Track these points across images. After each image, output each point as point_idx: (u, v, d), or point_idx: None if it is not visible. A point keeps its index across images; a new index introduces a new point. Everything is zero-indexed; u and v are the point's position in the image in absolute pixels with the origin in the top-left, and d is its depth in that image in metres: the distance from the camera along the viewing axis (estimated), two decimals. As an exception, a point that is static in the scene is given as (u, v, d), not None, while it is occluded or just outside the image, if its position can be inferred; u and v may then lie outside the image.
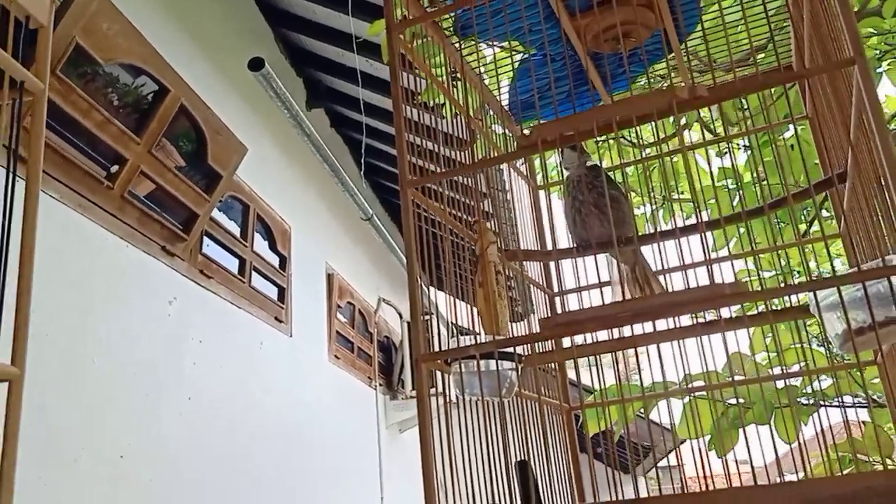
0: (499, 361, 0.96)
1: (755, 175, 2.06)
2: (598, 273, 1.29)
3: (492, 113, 1.39)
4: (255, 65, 2.89)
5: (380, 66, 4.53)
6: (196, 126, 3.30)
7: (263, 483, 3.66)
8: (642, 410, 1.64)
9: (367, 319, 5.89)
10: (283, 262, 4.43)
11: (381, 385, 5.89)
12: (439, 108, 1.34)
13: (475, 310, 1.06)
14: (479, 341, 0.91)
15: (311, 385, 4.54)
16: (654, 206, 2.58)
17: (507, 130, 1.41)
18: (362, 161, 4.70)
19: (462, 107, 1.12)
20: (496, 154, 1.33)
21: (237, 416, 3.54)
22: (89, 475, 2.43)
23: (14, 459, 0.58)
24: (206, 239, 3.54)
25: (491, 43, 1.18)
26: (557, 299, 1.43)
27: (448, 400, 0.95)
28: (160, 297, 3.07)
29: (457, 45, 1.22)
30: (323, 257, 5.12)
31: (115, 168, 2.84)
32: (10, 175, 0.67)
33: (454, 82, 1.28)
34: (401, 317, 6.39)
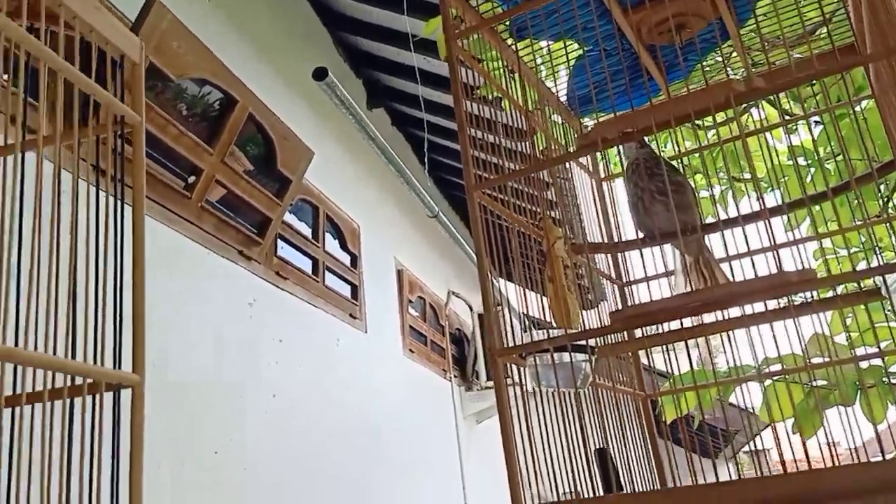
0: (572, 354, 0.99)
1: (824, 154, 2.02)
2: (664, 262, 1.31)
3: (550, 109, 1.42)
4: (319, 74, 2.98)
5: (437, 63, 4.57)
6: (264, 134, 3.42)
7: (344, 478, 3.78)
8: (720, 395, 1.64)
9: (438, 312, 5.97)
10: (354, 260, 4.54)
11: (455, 377, 5.96)
12: (497, 102, 1.37)
13: (546, 303, 1.10)
14: (551, 335, 0.94)
15: (387, 379, 4.65)
16: (721, 188, 2.55)
17: (567, 125, 1.43)
18: (426, 159, 4.76)
19: (521, 106, 1.15)
20: (556, 148, 1.35)
21: (318, 413, 3.66)
22: (192, 472, 2.57)
23: (141, 459, 0.65)
24: (279, 241, 3.67)
25: (546, 42, 1.21)
26: (627, 289, 1.45)
27: (525, 391, 0.99)
28: (240, 300, 3.20)
29: (512, 46, 1.25)
30: (391, 253, 5.21)
31: (191, 178, 2.97)
32: (118, 201, 0.74)
33: (511, 77, 1.31)
34: (471, 309, 6.44)
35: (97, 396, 0.64)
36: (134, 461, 0.64)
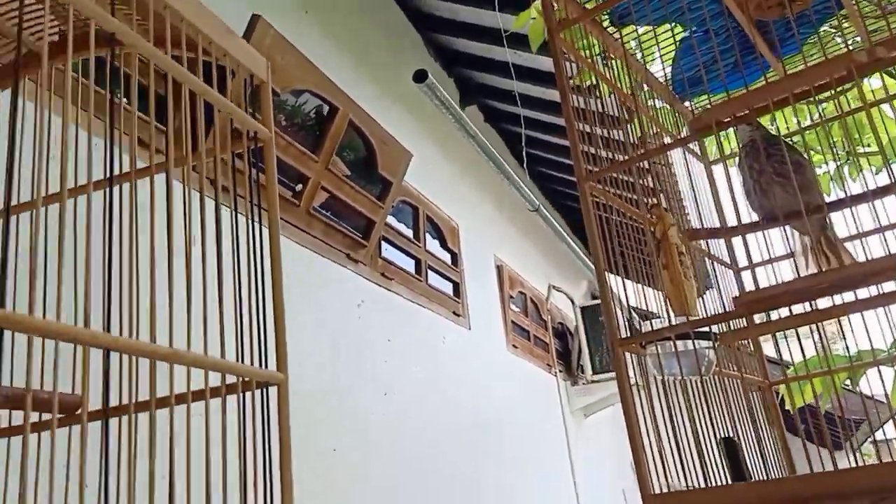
0: (695, 341, 0.98)
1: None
2: (782, 244, 1.26)
3: (655, 94, 1.40)
4: (419, 77, 3.04)
5: (528, 56, 4.55)
6: (364, 139, 3.51)
7: (455, 475, 3.83)
8: (848, 382, 1.56)
9: (540, 307, 5.95)
10: (455, 258, 4.60)
11: (560, 371, 5.92)
12: (592, 90, 1.36)
13: (662, 292, 1.09)
14: (671, 323, 0.93)
15: (493, 376, 4.68)
16: (838, 163, 2.42)
17: (673, 109, 1.41)
18: (524, 153, 4.75)
19: (625, 93, 1.14)
20: (661, 133, 1.33)
21: (427, 410, 3.73)
22: (307, 474, 2.68)
23: (289, 451, 0.70)
24: (383, 243, 3.76)
25: (641, 28, 1.19)
26: (741, 275, 1.41)
27: (647, 381, 0.98)
28: (349, 301, 3.31)
29: (614, 33, 1.24)
30: (491, 250, 5.24)
31: (299, 187, 3.10)
32: (256, 207, 0.79)
33: (607, 64, 1.30)
34: (572, 302, 6.38)
35: (246, 394, 0.69)
36: (283, 453, 0.69)
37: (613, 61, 1.27)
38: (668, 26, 1.18)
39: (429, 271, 4.19)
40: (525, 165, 4.81)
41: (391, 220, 3.93)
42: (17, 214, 0.78)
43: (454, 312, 4.36)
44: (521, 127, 5.06)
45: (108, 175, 0.60)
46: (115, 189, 0.69)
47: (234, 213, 0.73)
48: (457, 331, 4.33)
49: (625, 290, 1.05)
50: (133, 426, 0.63)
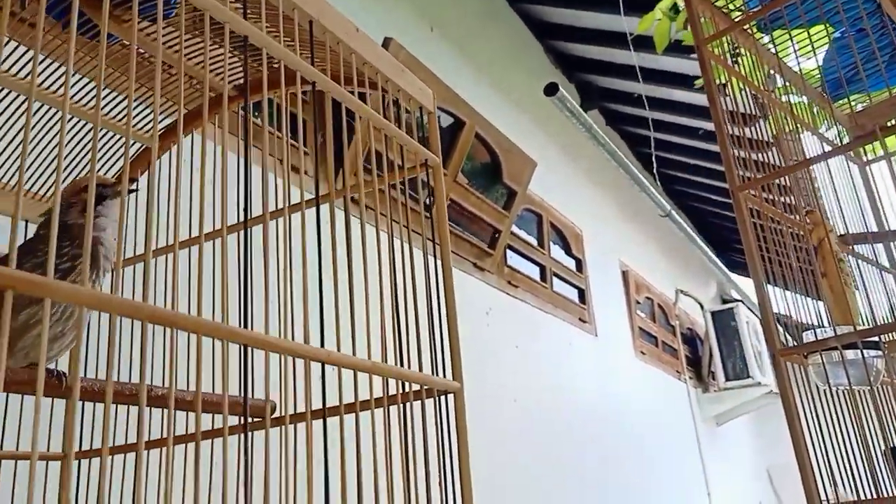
0: (863, 350, 0.95)
1: None
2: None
3: (801, 92, 1.36)
4: (550, 90, 3.07)
5: (649, 58, 4.48)
6: (489, 149, 3.57)
7: (585, 481, 3.81)
8: None
9: (667, 312, 5.80)
10: (579, 264, 4.57)
11: (690, 378, 5.75)
12: (722, 88, 1.34)
13: (822, 301, 1.06)
14: (836, 332, 0.92)
15: (621, 382, 4.61)
16: None
17: (822, 107, 1.37)
18: (653, 158, 4.67)
19: (772, 98, 1.13)
20: (801, 129, 1.30)
21: (555, 416, 3.73)
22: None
23: (468, 456, 0.75)
24: (508, 252, 3.80)
25: (800, 28, 1.17)
26: (905, 278, 1.34)
27: (809, 390, 0.97)
28: (478, 310, 3.37)
29: (762, 39, 1.22)
30: (616, 255, 5.17)
31: (429, 199, 3.20)
32: (431, 225, 0.86)
33: (755, 68, 1.28)
34: (702, 307, 6.18)
35: (423, 402, 0.75)
36: (462, 458, 0.74)
37: (757, 65, 1.25)
38: (826, 29, 1.16)
39: (554, 278, 4.19)
40: (656, 168, 4.71)
41: (515, 228, 3.97)
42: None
43: (580, 319, 4.34)
44: (646, 129, 4.98)
45: (316, 201, 0.67)
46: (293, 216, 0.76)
47: (407, 232, 0.79)
48: (583, 337, 4.31)
49: (784, 299, 1.04)
50: (309, 431, 0.70)
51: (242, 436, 0.53)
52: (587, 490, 3.80)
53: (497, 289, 3.57)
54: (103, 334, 0.86)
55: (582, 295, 4.49)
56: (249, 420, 0.59)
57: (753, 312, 6.12)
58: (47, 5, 0.73)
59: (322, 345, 0.59)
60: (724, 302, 6.63)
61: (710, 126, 5.28)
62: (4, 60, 0.93)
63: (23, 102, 0.98)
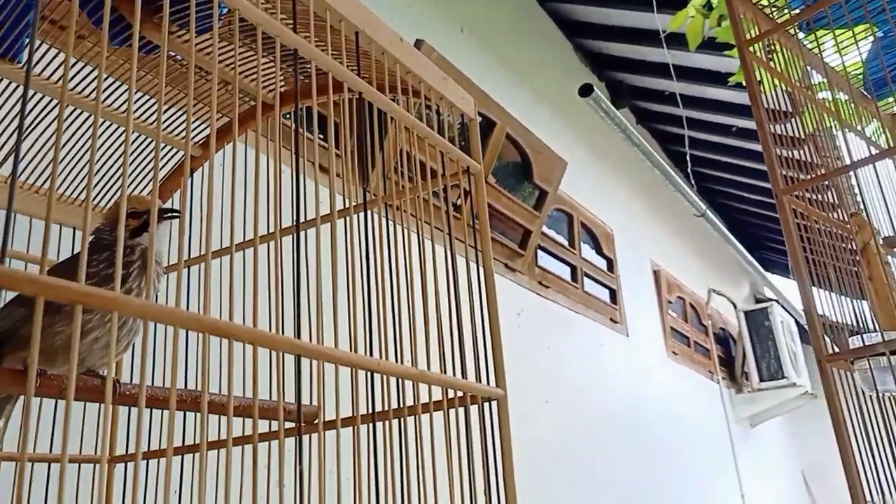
0: (913, 357, 0.94)
1: None
2: None
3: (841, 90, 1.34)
4: (585, 91, 3.06)
5: (681, 55, 4.43)
6: (520, 150, 3.57)
7: (617, 482, 3.78)
8: None
9: (700, 312, 5.74)
10: (610, 264, 4.54)
11: (723, 378, 5.68)
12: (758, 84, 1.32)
13: (868, 304, 1.05)
14: (883, 337, 0.90)
15: (653, 383, 4.58)
16: None
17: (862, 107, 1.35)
18: (687, 157, 4.62)
19: (819, 102, 1.11)
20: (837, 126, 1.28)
21: (587, 417, 3.71)
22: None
23: (511, 462, 0.75)
24: (539, 252, 3.79)
25: (843, 28, 1.15)
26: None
27: (855, 395, 0.95)
28: (509, 311, 3.36)
29: (805, 39, 1.21)
30: (647, 255, 5.13)
31: (459, 201, 3.20)
32: (468, 227, 0.86)
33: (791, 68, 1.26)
34: (735, 306, 6.10)
35: (467, 409, 0.75)
36: (506, 462, 0.75)
37: (791, 63, 1.23)
38: (871, 28, 1.14)
39: (585, 278, 4.17)
40: (690, 168, 4.66)
41: (545, 228, 3.96)
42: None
43: (611, 319, 4.31)
44: (676, 127, 4.93)
45: (364, 207, 0.68)
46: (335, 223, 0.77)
47: (450, 239, 0.79)
48: (614, 337, 4.28)
49: (829, 302, 1.02)
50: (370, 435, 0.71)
51: (297, 439, 0.54)
52: (618, 491, 3.78)
53: (528, 289, 3.56)
54: (155, 342, 0.88)
55: (613, 295, 4.46)
56: (300, 425, 0.60)
57: (788, 312, 6.03)
58: (110, 31, 0.75)
59: (370, 353, 0.60)
60: (758, 301, 6.54)
61: (742, 123, 5.21)
62: (70, 78, 0.95)
63: (87, 118, 1.00)
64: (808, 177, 1.03)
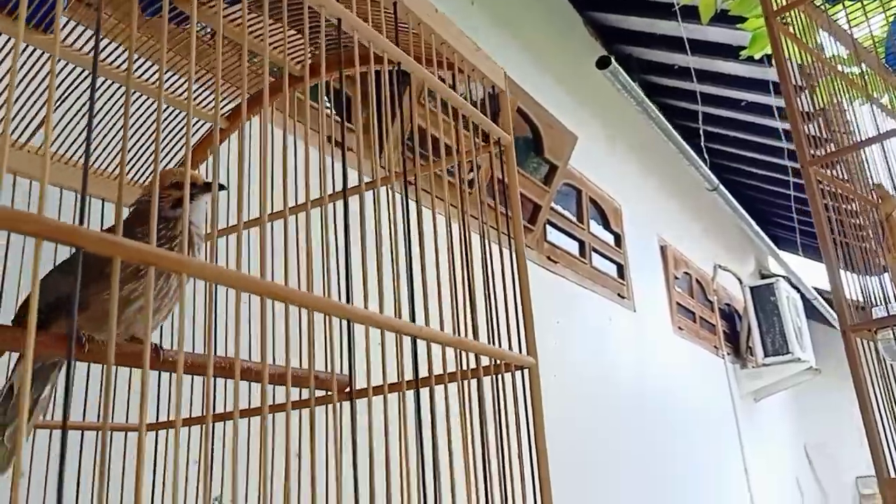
0: (937, 328, 0.95)
1: None
2: None
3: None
4: (603, 63, 3.05)
5: (693, 28, 4.40)
6: (531, 124, 3.56)
7: (622, 455, 3.82)
8: None
9: (706, 288, 5.75)
10: (618, 239, 4.55)
11: (728, 354, 5.71)
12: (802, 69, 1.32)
13: (891, 275, 1.06)
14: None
15: (659, 358, 4.61)
16: None
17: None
18: (700, 131, 4.60)
19: (842, 74, 1.11)
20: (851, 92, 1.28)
21: (595, 391, 3.74)
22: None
23: (543, 428, 0.77)
24: (548, 227, 3.79)
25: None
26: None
27: (877, 366, 0.97)
28: (519, 285, 3.38)
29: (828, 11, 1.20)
30: (654, 230, 5.13)
31: (471, 175, 3.20)
32: (506, 210, 0.87)
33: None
34: (740, 282, 6.11)
35: (503, 375, 0.77)
36: (538, 428, 0.76)
37: (809, 32, 1.23)
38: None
39: (593, 254, 4.18)
40: (704, 142, 4.64)
41: (554, 203, 3.96)
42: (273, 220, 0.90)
43: (619, 294, 4.33)
44: (686, 101, 4.90)
45: (405, 184, 0.69)
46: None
47: (482, 216, 0.80)
48: (622, 312, 4.30)
49: (852, 275, 1.03)
50: (403, 402, 0.72)
51: (347, 403, 0.55)
52: (624, 464, 3.82)
53: (537, 264, 3.57)
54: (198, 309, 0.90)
55: (621, 270, 4.48)
56: (352, 388, 0.61)
57: (795, 287, 6.05)
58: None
59: (413, 320, 0.61)
60: (763, 277, 6.56)
61: (752, 97, 5.18)
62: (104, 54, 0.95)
63: (121, 93, 1.00)
64: (827, 151, 1.04)
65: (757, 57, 3.68)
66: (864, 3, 1.09)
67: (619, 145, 4.77)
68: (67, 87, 0.93)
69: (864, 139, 1.07)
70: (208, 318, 0.54)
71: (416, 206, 0.76)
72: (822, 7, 1.15)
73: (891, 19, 1.21)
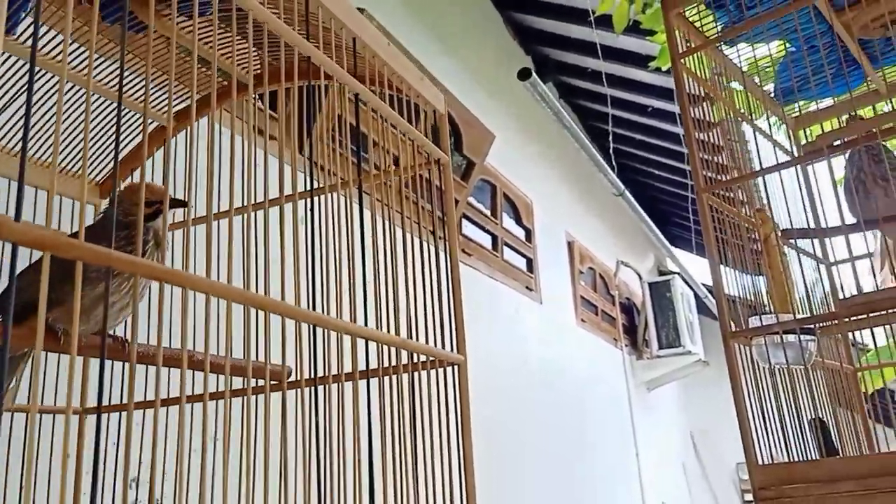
0: (800, 336, 1.11)
1: None
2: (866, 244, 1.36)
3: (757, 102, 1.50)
4: (524, 75, 3.18)
5: (608, 36, 4.60)
6: (451, 121, 3.66)
7: (524, 442, 4.01)
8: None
9: (608, 282, 6.04)
10: (528, 234, 4.73)
11: (626, 346, 6.03)
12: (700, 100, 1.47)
13: (766, 289, 1.21)
14: (777, 319, 1.07)
15: (563, 348, 4.83)
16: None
17: (772, 113, 1.51)
18: (610, 136, 4.81)
19: (737, 108, 1.26)
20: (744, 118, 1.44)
21: (503, 379, 3.90)
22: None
23: (469, 422, 0.87)
24: (464, 221, 3.91)
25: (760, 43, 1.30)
26: (833, 269, 1.52)
27: (753, 368, 1.12)
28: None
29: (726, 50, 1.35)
30: (563, 226, 5.35)
31: (392, 168, 3.27)
32: (443, 220, 0.96)
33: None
34: (640, 277, 6.45)
35: (432, 372, 0.86)
36: (464, 423, 0.86)
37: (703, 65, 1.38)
38: (784, 44, 1.29)
39: (505, 247, 4.34)
40: (612, 143, 4.86)
41: (470, 198, 4.08)
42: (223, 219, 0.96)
43: (527, 287, 4.51)
44: (598, 104, 5.12)
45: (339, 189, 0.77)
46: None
47: (418, 223, 0.89)
48: (529, 305, 4.48)
49: (736, 285, 1.18)
50: (340, 395, 0.81)
51: (312, 391, 0.63)
52: (527, 449, 4.01)
53: (451, 256, 3.68)
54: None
55: (530, 264, 4.66)
56: (268, 383, 0.69)
57: (688, 285, 6.43)
58: (102, 9, 0.80)
59: (354, 321, 0.70)
60: (661, 274, 6.94)
61: (658, 104, 5.47)
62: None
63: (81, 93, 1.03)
64: (725, 178, 1.19)
65: (664, 69, 3.90)
66: (754, 47, 1.25)
67: (534, 146, 4.95)
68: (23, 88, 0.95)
69: (747, 172, 1.23)
70: (159, 315, 0.62)
71: (360, 211, 0.84)
72: (720, 48, 1.30)
73: (780, 59, 1.37)
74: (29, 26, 0.85)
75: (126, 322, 0.80)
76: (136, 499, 1.64)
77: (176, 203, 0.75)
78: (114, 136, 1.16)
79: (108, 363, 0.97)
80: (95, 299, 0.70)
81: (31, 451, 0.79)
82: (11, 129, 1.06)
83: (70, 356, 0.52)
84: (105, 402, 0.91)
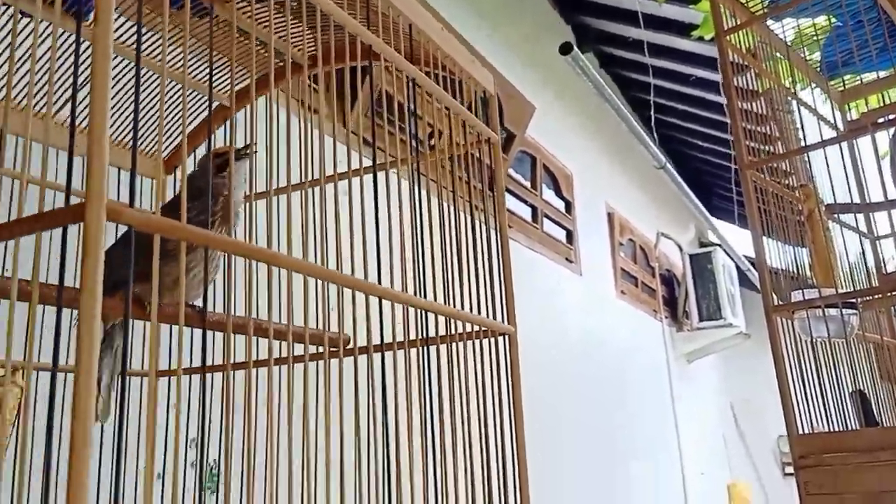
0: (842, 310, 1.12)
1: None
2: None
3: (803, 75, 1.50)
4: (565, 49, 3.18)
5: (651, 5, 4.54)
6: (491, 93, 3.66)
7: (565, 413, 4.05)
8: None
9: (648, 254, 6.02)
10: (568, 206, 4.73)
11: (666, 317, 6.02)
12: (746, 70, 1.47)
13: (809, 263, 1.23)
14: (821, 293, 1.09)
15: (603, 320, 4.84)
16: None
17: (818, 86, 1.51)
18: (651, 103, 4.76)
19: (782, 84, 1.26)
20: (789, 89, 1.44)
21: (543, 352, 3.94)
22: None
23: (520, 390, 0.91)
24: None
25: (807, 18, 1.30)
26: (878, 243, 1.52)
27: (793, 340, 1.14)
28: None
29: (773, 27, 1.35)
30: (602, 198, 5.33)
31: (432, 142, 3.30)
32: (494, 198, 1.00)
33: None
34: (680, 249, 6.41)
35: (485, 341, 0.91)
36: (515, 390, 0.91)
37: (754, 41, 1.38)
38: (828, 19, 1.29)
39: (544, 219, 4.35)
40: (653, 115, 4.81)
41: (510, 170, 4.09)
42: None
43: (567, 259, 4.53)
44: (639, 73, 5.06)
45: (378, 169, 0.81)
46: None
47: (469, 201, 0.93)
48: (569, 277, 4.50)
49: (779, 259, 1.20)
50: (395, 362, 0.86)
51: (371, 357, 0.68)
52: (566, 420, 4.06)
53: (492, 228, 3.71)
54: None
55: (570, 236, 4.67)
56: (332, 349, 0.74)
57: (730, 256, 6.37)
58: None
59: (416, 294, 0.74)
60: (702, 245, 6.87)
61: (701, 73, 5.38)
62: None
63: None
64: (769, 149, 1.20)
65: (707, 38, 3.85)
66: (800, 24, 1.25)
67: (574, 118, 4.93)
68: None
69: (795, 147, 1.23)
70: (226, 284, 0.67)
71: (418, 189, 0.89)
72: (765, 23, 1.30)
73: (826, 33, 1.37)
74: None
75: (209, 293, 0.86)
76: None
77: (240, 154, 0.81)
78: (177, 116, 1.22)
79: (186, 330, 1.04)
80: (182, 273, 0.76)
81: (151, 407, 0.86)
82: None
83: (178, 325, 0.57)
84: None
